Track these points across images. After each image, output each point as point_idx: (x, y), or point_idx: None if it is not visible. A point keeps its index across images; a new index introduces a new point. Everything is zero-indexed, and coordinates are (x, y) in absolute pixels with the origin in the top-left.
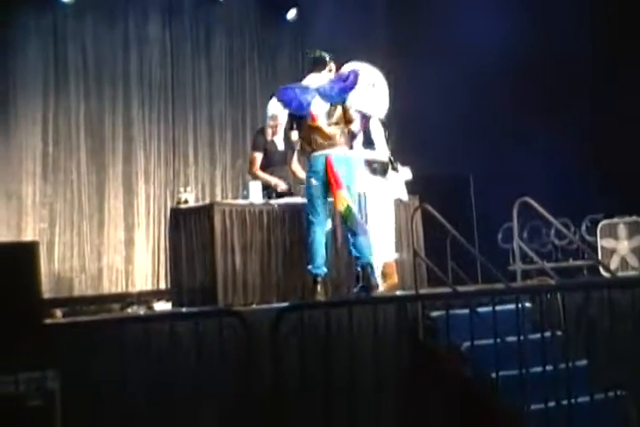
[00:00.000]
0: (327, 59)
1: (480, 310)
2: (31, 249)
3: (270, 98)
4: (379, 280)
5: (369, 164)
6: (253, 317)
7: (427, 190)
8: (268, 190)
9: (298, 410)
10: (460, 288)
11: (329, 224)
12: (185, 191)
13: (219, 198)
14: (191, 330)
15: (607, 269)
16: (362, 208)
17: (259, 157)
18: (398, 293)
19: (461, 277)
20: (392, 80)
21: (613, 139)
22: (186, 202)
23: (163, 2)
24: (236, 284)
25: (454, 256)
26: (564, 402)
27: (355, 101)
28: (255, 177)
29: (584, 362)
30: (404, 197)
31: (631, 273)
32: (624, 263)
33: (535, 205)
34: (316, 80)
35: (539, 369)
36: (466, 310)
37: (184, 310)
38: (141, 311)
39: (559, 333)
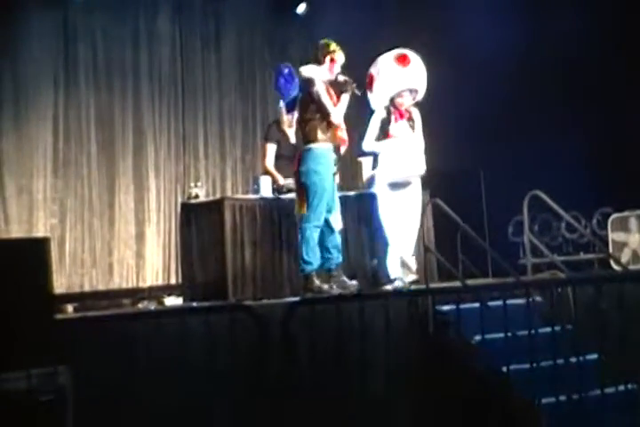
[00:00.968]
0: (321, 51)
1: (491, 303)
2: (42, 245)
3: None
4: (401, 274)
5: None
6: (264, 311)
7: (437, 184)
8: (279, 185)
9: (309, 404)
10: (471, 282)
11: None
12: (195, 186)
13: (229, 193)
14: (202, 325)
15: (618, 262)
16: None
17: (271, 148)
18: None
19: (472, 271)
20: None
21: (625, 132)
22: (196, 197)
23: None
24: (246, 278)
25: (465, 250)
26: (575, 396)
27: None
28: (266, 171)
29: (595, 356)
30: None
31: None
32: (635, 257)
33: (546, 198)
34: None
35: (549, 363)
36: (477, 304)
37: (195, 304)
38: (152, 306)
39: (570, 326)
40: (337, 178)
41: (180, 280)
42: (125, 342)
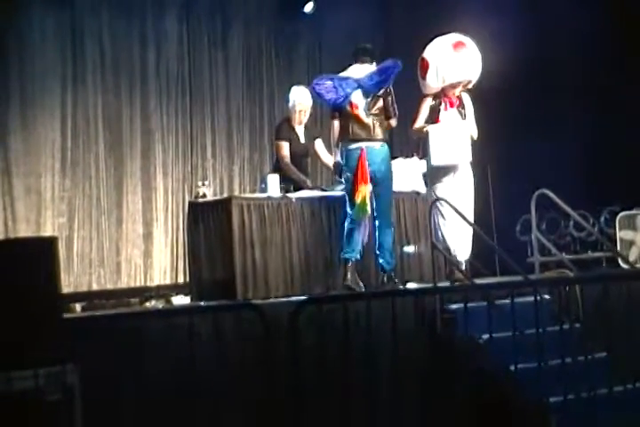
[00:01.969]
0: (370, 50)
1: (498, 302)
2: (50, 244)
3: (290, 89)
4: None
5: None
6: (272, 310)
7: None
8: (286, 184)
9: (317, 403)
10: (479, 281)
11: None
12: (203, 185)
13: (237, 192)
14: (210, 324)
15: (626, 260)
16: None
17: (286, 146)
18: (416, 285)
19: (480, 269)
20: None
21: (632, 131)
22: (204, 196)
23: None
24: (254, 277)
25: (472, 249)
26: (584, 394)
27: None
28: (286, 169)
29: (603, 354)
30: (422, 189)
31: None
32: None
33: (553, 197)
34: (357, 71)
35: (558, 362)
36: (484, 303)
37: (202, 303)
38: (160, 305)
39: (578, 325)
40: None
41: (187, 279)
42: (133, 341)
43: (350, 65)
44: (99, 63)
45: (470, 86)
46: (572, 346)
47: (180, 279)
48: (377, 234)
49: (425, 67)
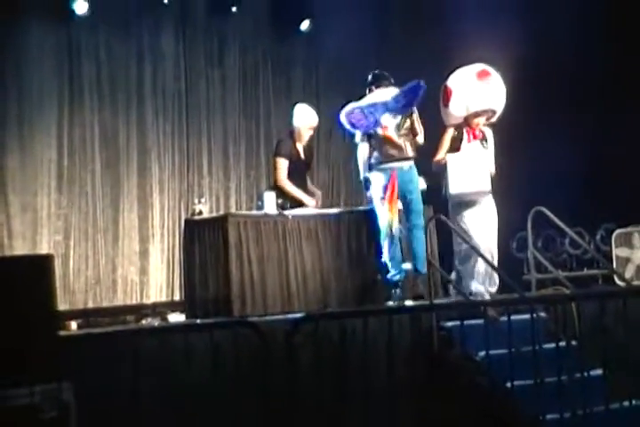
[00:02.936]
0: (388, 75)
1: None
2: (46, 262)
3: (292, 106)
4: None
5: None
6: (268, 327)
7: (441, 199)
8: (283, 201)
9: (312, 420)
10: (475, 298)
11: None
12: (199, 203)
13: (233, 209)
14: (206, 341)
15: (622, 278)
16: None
17: (285, 163)
18: (412, 303)
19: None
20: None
21: (629, 148)
22: (200, 213)
23: (176, 14)
24: (252, 295)
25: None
26: (580, 412)
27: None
28: (283, 186)
29: (599, 372)
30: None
31: None
32: (639, 272)
33: (549, 214)
34: (382, 95)
35: (554, 379)
36: (480, 320)
37: (198, 321)
38: (156, 323)
39: (574, 342)
40: None
41: (183, 297)
42: (129, 358)
43: (370, 91)
44: (95, 81)
45: (494, 119)
46: (568, 363)
47: (177, 297)
48: (413, 245)
49: (448, 95)
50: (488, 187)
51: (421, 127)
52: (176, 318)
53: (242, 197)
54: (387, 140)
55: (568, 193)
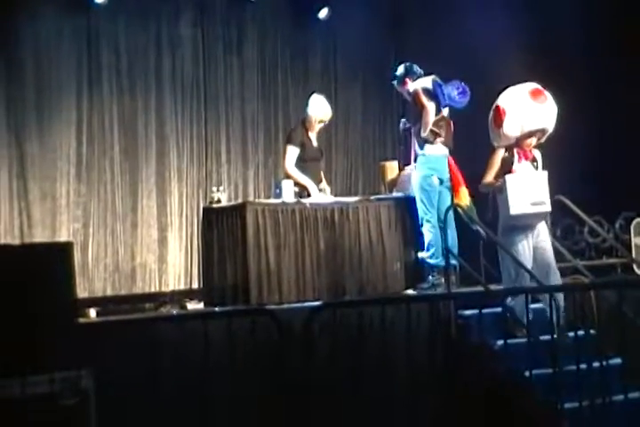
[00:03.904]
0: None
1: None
2: (65, 249)
3: (309, 96)
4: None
5: None
6: (286, 315)
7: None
8: (301, 189)
9: (330, 407)
10: (493, 287)
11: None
12: (217, 190)
13: (251, 197)
14: (224, 329)
15: None
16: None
17: (295, 151)
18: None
19: (494, 275)
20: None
21: None
22: (218, 201)
23: (195, 1)
24: (269, 283)
25: (487, 254)
26: (599, 401)
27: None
28: (289, 174)
29: (618, 360)
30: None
31: None
32: None
33: (569, 203)
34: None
35: (572, 368)
36: (499, 309)
37: (217, 309)
38: (174, 311)
39: (593, 331)
40: None
41: (202, 285)
42: (148, 346)
43: (404, 83)
44: (114, 68)
45: (543, 139)
46: (586, 352)
47: (195, 285)
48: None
49: (501, 115)
50: (549, 207)
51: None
52: (195, 305)
53: (260, 184)
54: (447, 126)
55: (587, 182)
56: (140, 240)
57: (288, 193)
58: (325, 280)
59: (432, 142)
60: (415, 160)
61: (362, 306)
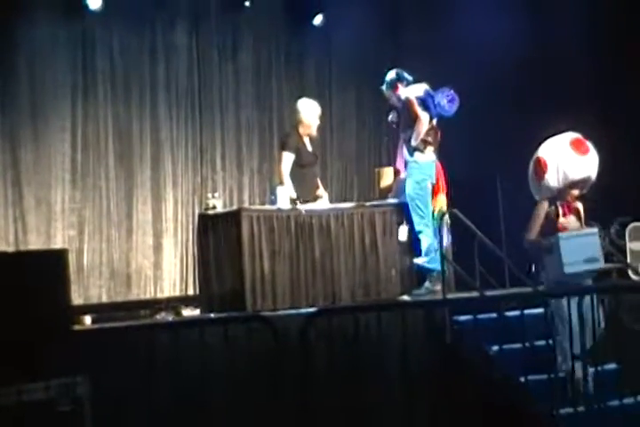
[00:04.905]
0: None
1: (508, 313)
2: (60, 256)
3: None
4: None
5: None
6: (282, 322)
7: (453, 191)
8: (297, 195)
9: (327, 413)
10: (489, 292)
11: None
12: (213, 197)
13: (246, 204)
14: (220, 336)
15: (636, 272)
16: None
17: (290, 157)
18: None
19: (489, 280)
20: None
21: None
22: (214, 208)
23: (189, 8)
24: (264, 289)
25: (482, 259)
26: (594, 406)
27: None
28: (284, 181)
29: (614, 366)
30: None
31: None
32: None
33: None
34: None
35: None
36: (494, 314)
37: (212, 315)
38: (170, 317)
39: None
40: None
41: (197, 291)
42: (143, 352)
43: (395, 88)
44: (109, 76)
45: (586, 190)
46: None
47: (190, 291)
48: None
49: (543, 166)
50: (603, 263)
51: None
52: (190, 312)
53: (255, 191)
54: (435, 134)
55: None
56: (135, 247)
57: (283, 199)
58: (320, 286)
59: (422, 151)
60: (405, 167)
61: (357, 312)
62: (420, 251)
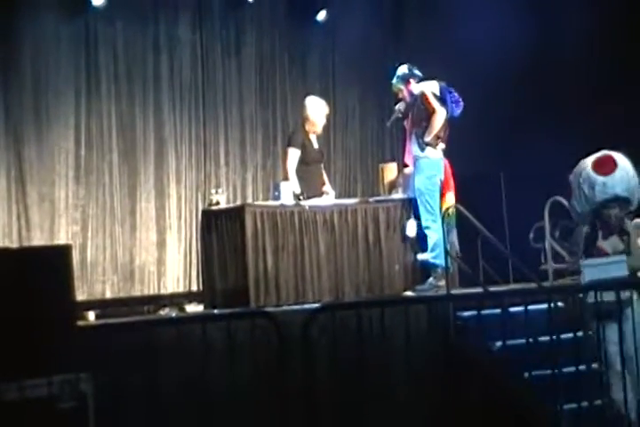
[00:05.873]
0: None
1: (512, 309)
2: (64, 252)
3: (305, 97)
4: None
5: None
6: (285, 318)
7: (457, 189)
8: (301, 191)
9: (330, 409)
10: (492, 288)
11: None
12: (216, 193)
13: (250, 200)
14: (223, 331)
15: (638, 268)
16: None
17: (296, 153)
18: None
19: (493, 276)
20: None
21: None
22: (217, 203)
23: (193, 4)
24: (267, 285)
25: (486, 256)
26: (597, 402)
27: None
28: (289, 177)
29: None
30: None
31: None
32: None
33: (567, 204)
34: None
35: (571, 369)
36: (498, 310)
37: (216, 311)
38: (173, 313)
39: (591, 332)
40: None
41: (201, 287)
42: (147, 349)
43: (407, 82)
44: (112, 72)
45: (632, 208)
46: (585, 354)
47: (194, 287)
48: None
49: (570, 190)
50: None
51: None
52: (194, 308)
53: (259, 186)
54: (445, 131)
55: None
56: (139, 243)
57: (287, 195)
58: (324, 282)
59: (434, 146)
60: (414, 162)
61: (361, 308)
62: (426, 246)
